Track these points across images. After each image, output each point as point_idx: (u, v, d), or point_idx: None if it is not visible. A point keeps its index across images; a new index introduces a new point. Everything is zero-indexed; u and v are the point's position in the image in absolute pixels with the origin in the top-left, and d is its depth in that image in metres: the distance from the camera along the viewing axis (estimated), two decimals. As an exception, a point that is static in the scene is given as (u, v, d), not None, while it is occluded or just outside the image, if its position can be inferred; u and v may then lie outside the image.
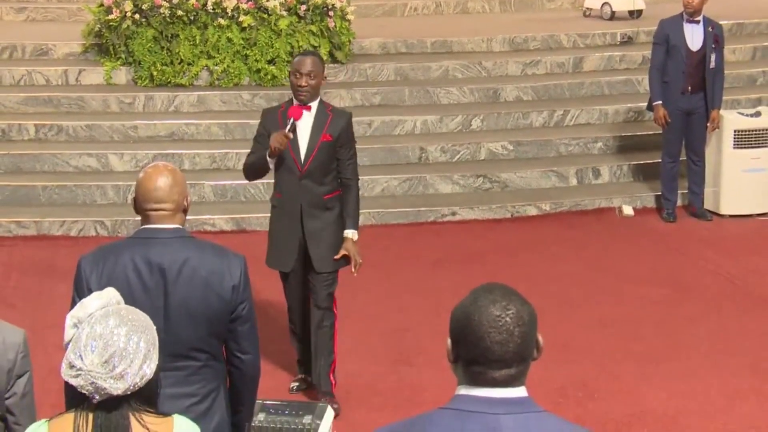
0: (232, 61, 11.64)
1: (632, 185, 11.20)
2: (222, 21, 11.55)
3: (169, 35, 11.57)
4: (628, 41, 13.22)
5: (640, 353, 7.61)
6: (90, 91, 11.57)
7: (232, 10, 11.58)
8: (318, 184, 6.61)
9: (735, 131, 10.60)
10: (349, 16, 11.97)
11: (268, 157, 6.50)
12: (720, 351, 7.67)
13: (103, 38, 11.79)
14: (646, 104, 10.82)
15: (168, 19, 11.50)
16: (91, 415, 2.96)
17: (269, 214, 6.92)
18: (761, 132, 10.68)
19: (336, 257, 6.63)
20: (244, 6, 11.60)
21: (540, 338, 2.74)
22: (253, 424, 4.92)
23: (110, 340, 2.95)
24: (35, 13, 13.98)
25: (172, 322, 4.10)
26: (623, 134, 11.63)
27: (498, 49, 13.00)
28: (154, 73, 11.54)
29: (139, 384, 2.96)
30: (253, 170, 6.73)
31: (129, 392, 2.95)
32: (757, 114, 10.78)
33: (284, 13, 11.67)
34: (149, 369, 2.99)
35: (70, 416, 2.99)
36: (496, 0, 15.16)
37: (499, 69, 12.48)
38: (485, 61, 12.50)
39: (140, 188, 4.16)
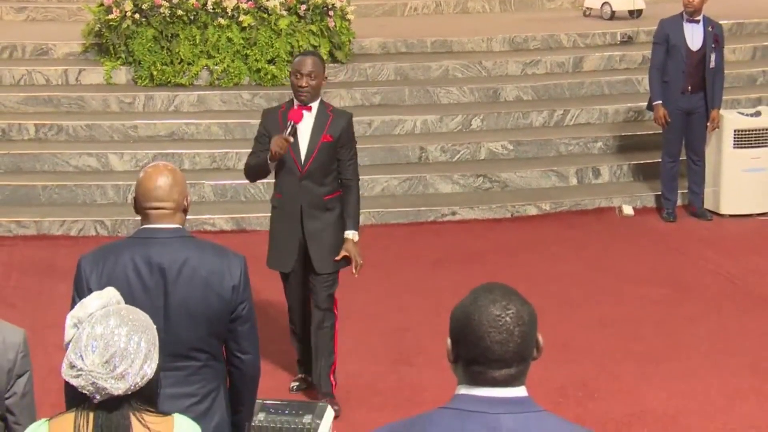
0: (232, 61, 11.64)
1: (632, 185, 11.19)
2: (222, 21, 11.55)
3: (169, 35, 11.56)
4: (628, 41, 13.22)
5: (640, 353, 7.61)
6: (90, 91, 11.57)
7: (232, 10, 11.57)
8: (318, 184, 6.60)
9: (735, 131, 10.59)
10: (349, 16, 11.97)
11: (268, 160, 6.51)
12: (720, 351, 7.67)
13: (103, 38, 11.79)
14: (646, 104, 10.82)
15: (168, 19, 11.49)
16: (91, 415, 2.97)
17: (269, 214, 6.92)
18: (761, 132, 10.68)
19: (336, 258, 6.62)
20: (244, 6, 11.60)
21: (540, 338, 2.74)
22: (253, 424, 4.92)
23: (111, 340, 2.95)
24: (35, 12, 13.97)
25: (172, 321, 4.10)
26: (623, 134, 11.63)
27: (498, 48, 13.00)
28: (154, 73, 11.54)
29: (139, 384, 2.96)
30: (254, 172, 6.74)
31: (130, 392, 2.95)
32: (757, 114, 10.78)
33: (284, 13, 11.67)
34: (150, 369, 2.99)
35: (70, 416, 2.99)
36: (496, 0, 15.16)
37: (499, 69, 12.48)
38: (485, 61, 12.50)
39: (140, 187, 4.17)
